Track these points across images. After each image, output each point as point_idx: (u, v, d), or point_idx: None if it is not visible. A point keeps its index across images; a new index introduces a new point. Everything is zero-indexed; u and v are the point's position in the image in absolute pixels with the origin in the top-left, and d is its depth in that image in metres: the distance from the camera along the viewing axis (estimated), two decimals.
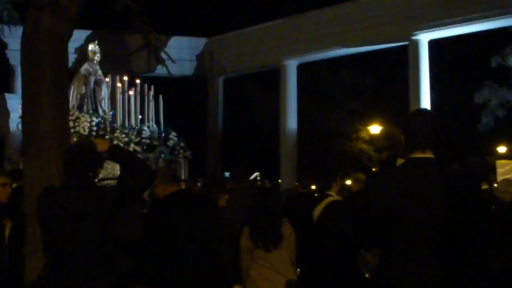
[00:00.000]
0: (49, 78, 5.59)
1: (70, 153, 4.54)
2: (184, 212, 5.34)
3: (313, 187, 12.64)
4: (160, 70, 20.43)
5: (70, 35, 5.99)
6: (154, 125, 14.71)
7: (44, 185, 4.93)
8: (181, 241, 5.21)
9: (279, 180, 21.50)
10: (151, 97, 14.77)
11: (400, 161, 4.20)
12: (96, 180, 4.70)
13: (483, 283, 4.01)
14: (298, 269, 7.40)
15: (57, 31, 5.75)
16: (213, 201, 6.29)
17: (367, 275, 6.36)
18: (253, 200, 6.85)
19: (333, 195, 8.37)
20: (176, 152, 14.61)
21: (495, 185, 7.15)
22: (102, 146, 4.61)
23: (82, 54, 16.02)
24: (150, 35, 7.08)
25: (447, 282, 3.46)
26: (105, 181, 8.98)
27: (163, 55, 7.88)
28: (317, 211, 8.21)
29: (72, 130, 12.40)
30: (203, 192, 7.14)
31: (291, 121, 21.50)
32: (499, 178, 6.97)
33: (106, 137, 12.74)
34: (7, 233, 5.40)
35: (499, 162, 7.10)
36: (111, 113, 13.80)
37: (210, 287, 5.32)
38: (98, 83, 14.64)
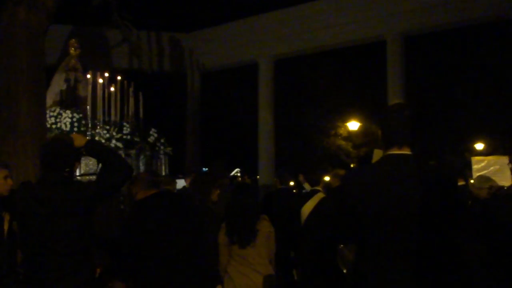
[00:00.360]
0: (26, 72, 5.56)
1: (47, 148, 4.51)
2: (161, 215, 5.32)
3: (292, 183, 12.67)
4: (139, 66, 20.44)
5: (46, 29, 5.94)
6: (134, 121, 14.66)
7: (20, 181, 4.89)
8: (159, 243, 5.19)
9: (257, 177, 21.53)
10: (131, 93, 14.70)
11: (377, 152, 4.21)
12: (78, 175, 4.69)
13: (460, 278, 4.03)
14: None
15: (34, 25, 5.71)
16: (192, 199, 6.33)
17: (345, 271, 6.39)
18: (231, 196, 6.87)
19: (321, 191, 8.31)
20: (156, 149, 14.57)
21: (471, 181, 7.22)
22: (79, 141, 4.59)
23: (63, 50, 15.90)
24: (128, 30, 7.04)
25: (423, 278, 3.48)
26: (87, 176, 8.94)
27: (142, 50, 7.83)
28: (308, 207, 8.08)
29: (53, 126, 12.33)
30: (194, 187, 7.19)
31: (269, 117, 21.55)
32: (475, 174, 7.03)
33: (88, 133, 12.66)
34: (6, 226, 5.34)
35: (474, 159, 7.18)
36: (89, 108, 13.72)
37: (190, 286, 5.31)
38: (78, 79, 14.53)
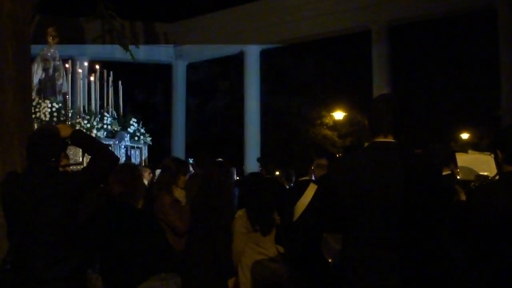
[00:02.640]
0: (12, 63, 5.54)
1: (33, 138, 4.53)
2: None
3: (277, 173, 12.70)
4: (123, 56, 20.36)
5: (32, 19, 5.93)
6: (114, 111, 14.63)
7: (6, 171, 4.89)
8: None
9: (243, 166, 21.57)
10: (110, 83, 14.67)
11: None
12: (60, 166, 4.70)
13: (442, 268, 4.08)
14: None
15: (19, 15, 5.69)
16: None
17: (330, 260, 6.43)
18: (250, 186, 6.87)
19: (312, 182, 8.24)
20: (136, 138, 14.56)
21: (458, 176, 7.25)
22: (65, 131, 4.61)
23: (41, 39, 15.81)
24: (113, 20, 7.03)
25: (407, 266, 3.52)
26: (69, 167, 8.90)
27: (126, 40, 7.83)
28: (303, 202, 7.97)
29: (32, 116, 12.27)
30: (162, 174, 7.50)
31: (255, 106, 21.59)
32: (460, 169, 7.07)
33: (68, 123, 12.62)
34: None
35: (459, 155, 7.20)
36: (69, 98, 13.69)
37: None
38: (57, 68, 14.47)
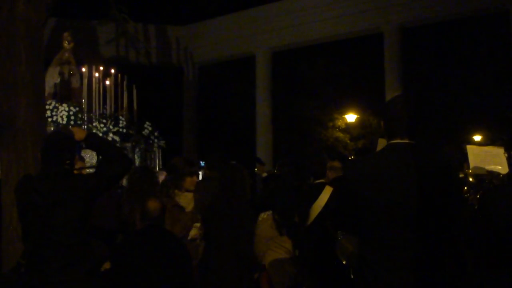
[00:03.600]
0: (25, 66, 5.56)
1: (48, 141, 4.56)
2: None
3: None
4: (135, 59, 20.42)
5: (45, 22, 5.95)
6: (128, 115, 14.66)
7: (21, 174, 4.92)
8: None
9: (255, 169, 21.53)
10: (125, 87, 14.71)
11: (381, 141, 4.23)
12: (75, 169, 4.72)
13: (458, 269, 4.06)
14: None
15: (32, 18, 5.71)
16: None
17: (344, 262, 6.40)
18: (274, 190, 6.87)
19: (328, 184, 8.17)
20: (150, 142, 14.58)
21: (469, 170, 7.19)
22: (79, 134, 4.66)
23: (57, 43, 15.88)
24: (126, 24, 7.05)
25: (424, 266, 3.50)
26: (87, 170, 8.94)
27: (139, 43, 7.85)
28: (319, 204, 7.90)
29: (49, 120, 12.34)
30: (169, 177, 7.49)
31: (267, 110, 21.58)
32: (471, 163, 7.02)
33: (84, 126, 12.68)
34: None
35: (470, 148, 7.14)
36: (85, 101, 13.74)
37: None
38: (72, 72, 14.52)
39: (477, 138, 32.93)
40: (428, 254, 3.52)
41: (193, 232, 6.63)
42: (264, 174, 10.10)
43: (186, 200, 7.09)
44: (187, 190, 7.19)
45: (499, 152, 6.10)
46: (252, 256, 6.20)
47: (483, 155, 6.40)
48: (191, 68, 24.02)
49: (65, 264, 4.27)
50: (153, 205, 5.44)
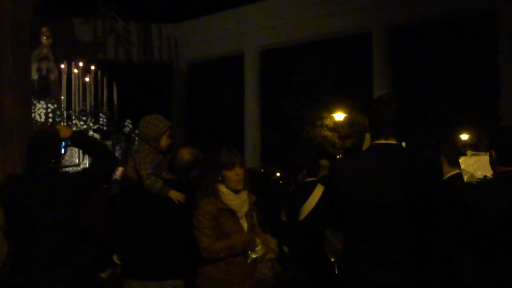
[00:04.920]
0: (11, 64, 5.52)
1: (33, 139, 4.52)
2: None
3: (277, 174, 12.69)
4: (125, 57, 20.35)
5: (31, 19, 5.91)
6: (108, 112, 14.54)
7: (6, 173, 4.88)
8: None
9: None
10: (105, 84, 14.60)
11: (368, 136, 4.25)
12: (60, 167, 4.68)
13: (443, 267, 4.06)
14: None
15: (19, 15, 5.67)
16: None
17: (332, 259, 6.42)
18: (257, 188, 6.82)
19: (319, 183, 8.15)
20: (131, 139, 14.49)
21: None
22: (65, 132, 4.62)
23: (35, 39, 15.70)
24: (115, 21, 7.00)
25: (407, 265, 3.52)
26: (66, 168, 8.88)
27: (127, 41, 7.82)
28: (311, 202, 7.90)
29: (32, 118, 12.21)
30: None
31: (255, 108, 21.57)
32: (464, 173, 7.07)
33: (63, 124, 12.57)
34: None
35: (462, 160, 7.18)
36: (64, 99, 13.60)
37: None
38: (50, 69, 14.35)
39: (464, 137, 33.14)
40: (412, 253, 3.54)
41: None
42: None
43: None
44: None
45: (486, 159, 6.16)
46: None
47: (475, 164, 6.47)
48: (180, 66, 23.97)
49: (52, 264, 4.24)
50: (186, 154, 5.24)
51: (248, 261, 4.94)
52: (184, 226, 4.94)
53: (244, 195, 5.06)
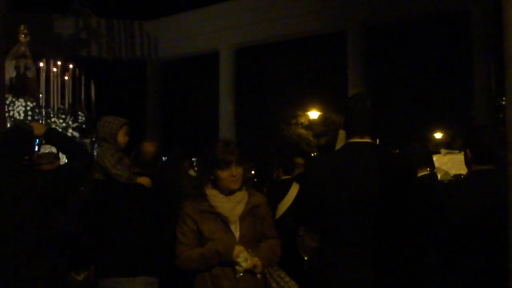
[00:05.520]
0: None
1: (6, 136, 4.49)
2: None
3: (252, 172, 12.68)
4: (99, 54, 20.21)
5: (4, 15, 5.86)
6: (86, 110, 14.47)
7: None
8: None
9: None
10: (83, 82, 14.52)
11: (341, 133, 4.26)
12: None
13: (416, 266, 4.09)
14: None
15: None
16: None
17: (306, 258, 6.43)
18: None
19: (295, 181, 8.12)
20: None
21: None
22: (39, 129, 4.60)
23: (12, 37, 15.56)
24: (89, 18, 6.94)
25: (382, 264, 3.53)
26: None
27: (102, 38, 7.76)
28: (287, 201, 7.86)
29: (6, 115, 12.10)
30: None
31: (230, 106, 21.55)
32: (438, 171, 7.11)
33: (42, 122, 12.48)
34: None
35: (436, 158, 7.23)
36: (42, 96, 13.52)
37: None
38: (28, 66, 14.24)
39: (438, 135, 33.46)
40: (387, 252, 3.56)
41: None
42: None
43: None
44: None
45: (463, 158, 6.21)
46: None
47: (448, 162, 6.51)
48: (154, 63, 23.86)
49: (24, 262, 4.21)
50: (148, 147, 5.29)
51: (237, 276, 4.14)
52: (155, 222, 4.96)
53: (239, 196, 4.30)
